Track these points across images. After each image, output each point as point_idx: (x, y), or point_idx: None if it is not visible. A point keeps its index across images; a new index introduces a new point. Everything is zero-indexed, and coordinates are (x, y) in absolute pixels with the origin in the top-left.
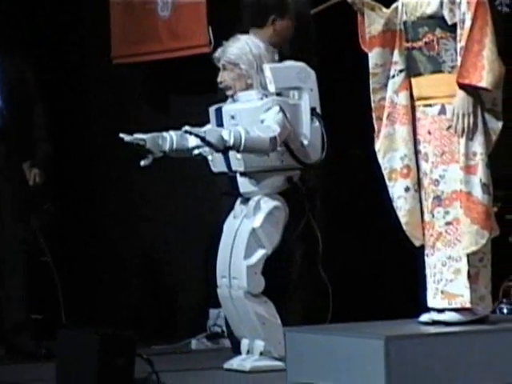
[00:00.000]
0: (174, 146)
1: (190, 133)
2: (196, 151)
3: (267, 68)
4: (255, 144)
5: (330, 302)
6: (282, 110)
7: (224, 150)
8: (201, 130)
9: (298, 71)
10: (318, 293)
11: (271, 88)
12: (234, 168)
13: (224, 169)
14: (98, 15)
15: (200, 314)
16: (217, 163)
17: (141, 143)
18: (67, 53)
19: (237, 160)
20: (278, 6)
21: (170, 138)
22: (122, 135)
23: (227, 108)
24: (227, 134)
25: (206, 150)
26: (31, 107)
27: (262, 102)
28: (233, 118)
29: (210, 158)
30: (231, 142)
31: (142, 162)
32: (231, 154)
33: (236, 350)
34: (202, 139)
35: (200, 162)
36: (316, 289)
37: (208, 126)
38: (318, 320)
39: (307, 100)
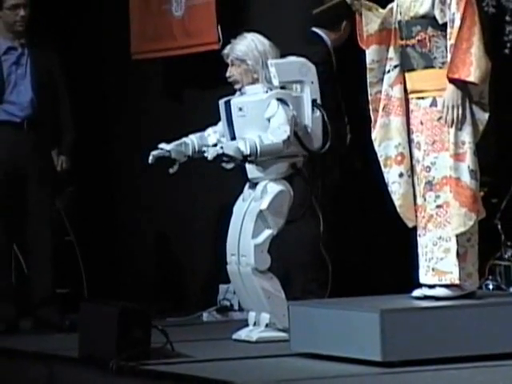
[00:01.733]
0: (197, 148)
1: (214, 157)
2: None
3: (271, 64)
4: (271, 150)
5: (330, 277)
6: (283, 101)
7: (243, 160)
8: (218, 148)
9: (300, 66)
10: (319, 269)
11: (275, 82)
12: None
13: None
14: (119, 15)
15: (211, 289)
16: None
17: (166, 155)
18: (90, 48)
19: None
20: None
21: (192, 143)
22: (150, 157)
23: (235, 101)
24: (243, 145)
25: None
26: (58, 98)
27: (267, 94)
28: (240, 109)
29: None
30: (248, 152)
31: (171, 170)
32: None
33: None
34: (221, 155)
35: None
36: (317, 266)
37: (224, 142)
38: (318, 294)
39: (308, 92)
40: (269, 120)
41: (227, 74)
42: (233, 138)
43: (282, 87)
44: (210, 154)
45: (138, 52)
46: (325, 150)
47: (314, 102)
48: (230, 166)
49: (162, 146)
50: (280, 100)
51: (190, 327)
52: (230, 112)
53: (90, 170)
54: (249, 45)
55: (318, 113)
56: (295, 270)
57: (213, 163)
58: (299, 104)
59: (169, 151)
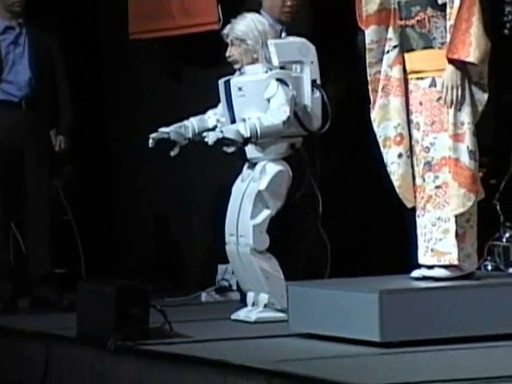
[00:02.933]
0: (196, 130)
1: (215, 141)
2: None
3: (271, 43)
4: (271, 131)
5: (329, 258)
6: (282, 81)
7: (244, 142)
8: (218, 132)
9: (299, 46)
10: (318, 249)
11: (275, 62)
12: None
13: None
14: None
15: (209, 270)
16: None
17: (165, 137)
18: (87, 28)
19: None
20: None
21: (192, 125)
22: (150, 140)
23: (235, 80)
24: (243, 128)
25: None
26: (56, 78)
27: (266, 74)
28: (240, 89)
29: (219, 125)
30: (248, 134)
31: (172, 153)
32: (239, 121)
33: (243, 302)
34: (222, 139)
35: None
36: (315, 246)
37: (224, 125)
38: (317, 275)
39: (308, 72)
40: (268, 100)
41: (227, 54)
42: (232, 117)
43: (282, 67)
44: (211, 138)
45: (137, 32)
46: (325, 129)
47: (313, 82)
48: (231, 149)
49: (162, 129)
50: (280, 80)
51: (188, 307)
52: (229, 91)
53: (88, 150)
54: (249, 24)
55: (317, 93)
56: (294, 250)
57: (213, 147)
58: (299, 84)
59: (168, 133)
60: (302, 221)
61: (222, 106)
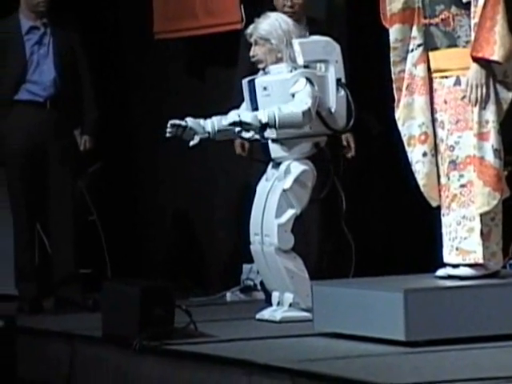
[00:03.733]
0: (216, 127)
1: (231, 123)
2: (237, 128)
3: (296, 42)
4: (290, 119)
5: (353, 257)
6: (308, 80)
7: (261, 129)
8: (235, 115)
9: (324, 45)
10: (342, 249)
11: (300, 61)
12: (266, 135)
13: (256, 136)
14: None
15: (234, 269)
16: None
17: (183, 124)
18: (111, 27)
19: (269, 128)
20: None
21: (211, 121)
22: (167, 128)
23: (260, 80)
24: (261, 113)
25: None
26: (80, 78)
27: (291, 74)
28: (265, 89)
29: None
30: (266, 119)
31: (191, 143)
32: None
33: (268, 301)
34: (239, 123)
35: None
36: (340, 245)
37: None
38: (341, 274)
39: (333, 71)
40: (293, 95)
41: (251, 54)
42: None
43: (306, 66)
44: (228, 120)
45: (161, 32)
46: (349, 127)
47: (338, 81)
48: (248, 135)
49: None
50: (307, 79)
51: (213, 307)
52: (254, 91)
53: (112, 150)
54: (273, 24)
55: (342, 92)
56: (318, 250)
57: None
58: (323, 83)
59: (185, 121)
60: (326, 220)
61: (245, 106)
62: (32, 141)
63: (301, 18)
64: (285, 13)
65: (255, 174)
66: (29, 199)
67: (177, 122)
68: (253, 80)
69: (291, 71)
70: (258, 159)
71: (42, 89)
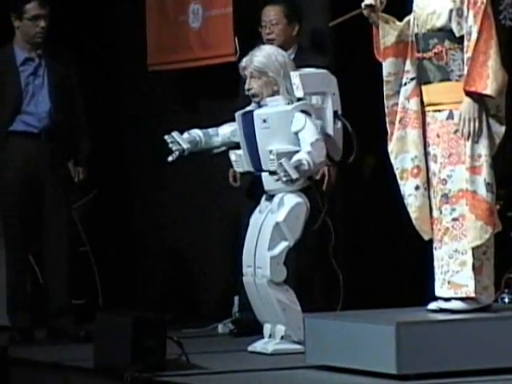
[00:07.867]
0: (203, 142)
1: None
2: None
3: (295, 75)
4: (319, 166)
5: (341, 289)
6: (306, 113)
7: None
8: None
9: (323, 77)
10: (331, 282)
11: (299, 93)
12: (265, 167)
13: (249, 168)
14: (135, 25)
15: (226, 301)
16: (242, 163)
17: (184, 154)
18: (106, 58)
19: (269, 160)
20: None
21: (199, 136)
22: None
23: (259, 112)
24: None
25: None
26: (74, 108)
27: (291, 106)
28: (264, 121)
29: (233, 158)
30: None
31: (170, 158)
32: (263, 153)
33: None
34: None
35: (228, 159)
36: (328, 278)
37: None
38: (330, 307)
39: (330, 104)
40: (296, 134)
41: (246, 87)
42: (253, 150)
43: (300, 99)
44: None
45: (155, 63)
46: (352, 159)
47: (335, 113)
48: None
49: (176, 136)
50: (304, 112)
51: (205, 339)
52: (251, 124)
53: (105, 180)
54: (269, 56)
55: (339, 124)
56: (308, 282)
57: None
58: (321, 115)
59: (183, 149)
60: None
61: (226, 129)
62: (27, 172)
63: (288, 48)
64: (268, 41)
65: (248, 206)
66: (23, 230)
67: (178, 151)
68: (249, 112)
69: (288, 104)
70: (248, 195)
71: (37, 120)
